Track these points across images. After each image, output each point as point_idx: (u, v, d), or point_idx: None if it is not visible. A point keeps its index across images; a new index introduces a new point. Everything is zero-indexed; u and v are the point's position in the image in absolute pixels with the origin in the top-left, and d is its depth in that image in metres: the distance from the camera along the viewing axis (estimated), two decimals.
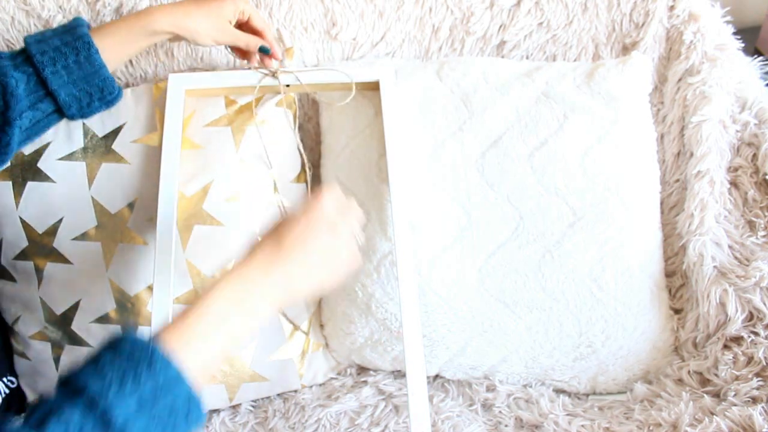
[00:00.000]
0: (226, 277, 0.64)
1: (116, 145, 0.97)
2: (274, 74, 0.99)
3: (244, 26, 0.95)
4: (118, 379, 0.54)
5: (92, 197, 0.96)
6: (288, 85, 0.99)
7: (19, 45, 1.05)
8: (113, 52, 0.87)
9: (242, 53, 0.99)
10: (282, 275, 0.65)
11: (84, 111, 0.89)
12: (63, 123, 1.00)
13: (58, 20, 1.04)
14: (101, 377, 0.54)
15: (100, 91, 0.87)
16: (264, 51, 0.95)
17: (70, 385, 0.55)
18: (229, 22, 0.92)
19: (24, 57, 0.83)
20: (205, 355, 0.60)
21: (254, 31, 0.95)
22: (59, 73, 0.83)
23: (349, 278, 0.85)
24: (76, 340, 0.96)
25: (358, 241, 0.73)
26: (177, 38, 0.91)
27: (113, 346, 0.57)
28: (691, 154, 1.03)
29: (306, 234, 0.67)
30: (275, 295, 0.65)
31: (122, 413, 0.53)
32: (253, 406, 1.04)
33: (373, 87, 1.01)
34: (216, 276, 0.96)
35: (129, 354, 0.55)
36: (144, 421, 0.54)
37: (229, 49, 1.01)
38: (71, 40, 0.83)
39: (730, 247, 0.99)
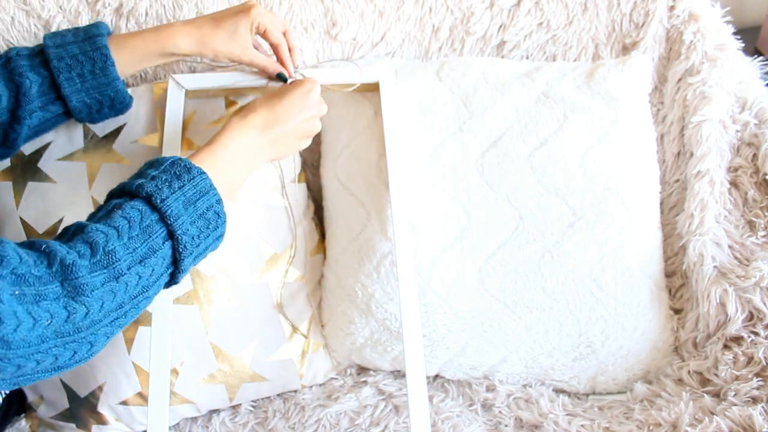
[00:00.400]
0: (229, 126, 0.78)
1: (117, 146, 0.97)
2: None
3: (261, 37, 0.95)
4: (167, 183, 0.68)
5: (92, 197, 0.96)
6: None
7: (18, 45, 1.05)
8: (128, 66, 0.87)
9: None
10: (274, 135, 0.81)
11: (93, 117, 0.89)
12: (63, 124, 1.00)
13: (58, 21, 1.04)
14: (152, 182, 0.67)
15: (111, 101, 0.88)
16: (282, 78, 0.94)
17: (125, 191, 0.68)
18: (247, 40, 0.91)
19: (41, 59, 0.83)
20: (228, 176, 0.76)
21: (270, 43, 0.94)
22: (73, 80, 0.83)
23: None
24: None
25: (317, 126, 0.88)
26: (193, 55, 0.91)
27: (153, 165, 0.71)
28: (691, 154, 1.03)
29: (297, 107, 0.83)
30: (265, 151, 0.81)
31: (174, 207, 0.67)
32: (253, 407, 1.04)
33: (373, 87, 1.01)
34: (216, 277, 0.96)
35: (170, 167, 0.69)
36: (190, 217, 0.68)
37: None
38: (90, 49, 0.84)
39: (730, 247, 0.99)
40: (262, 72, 0.95)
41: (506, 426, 0.97)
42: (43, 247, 0.59)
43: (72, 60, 0.83)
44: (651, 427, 0.90)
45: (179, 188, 0.68)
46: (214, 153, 0.75)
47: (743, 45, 1.07)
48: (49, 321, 0.57)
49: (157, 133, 0.98)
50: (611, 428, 0.93)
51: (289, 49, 0.94)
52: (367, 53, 1.11)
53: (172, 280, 0.70)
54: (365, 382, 1.05)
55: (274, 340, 1.00)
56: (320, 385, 1.06)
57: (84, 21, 1.05)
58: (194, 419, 1.03)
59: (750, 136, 1.02)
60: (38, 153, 0.97)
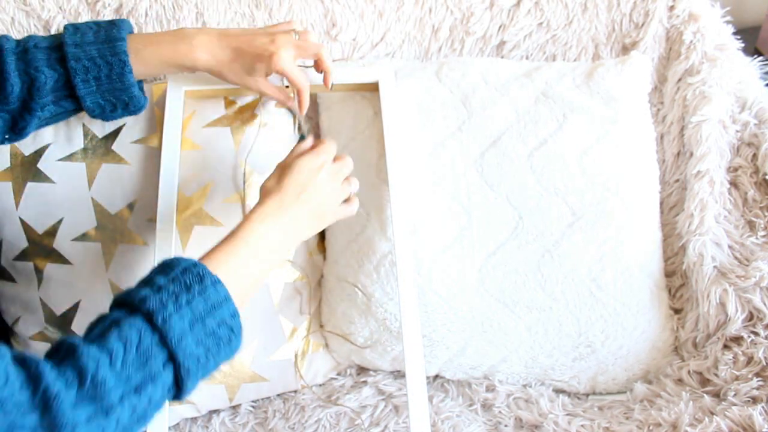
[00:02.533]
0: (247, 219, 0.73)
1: (116, 146, 0.97)
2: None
3: None
4: (174, 297, 0.60)
5: (92, 198, 0.96)
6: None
7: None
8: (145, 72, 0.85)
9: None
10: (289, 220, 0.75)
11: (106, 116, 0.88)
12: (62, 124, 1.00)
13: (58, 21, 1.04)
14: (157, 295, 0.60)
15: (125, 104, 0.86)
16: (301, 137, 0.93)
17: (128, 304, 0.61)
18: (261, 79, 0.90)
19: (59, 55, 0.81)
20: (244, 281, 0.70)
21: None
22: (89, 83, 0.82)
23: (349, 218, 0.86)
24: None
25: (353, 187, 0.84)
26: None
27: (164, 270, 0.64)
28: (691, 154, 1.03)
29: (307, 180, 0.77)
30: (285, 239, 0.75)
31: (178, 328, 0.59)
32: (253, 407, 1.04)
33: (373, 88, 1.01)
34: None
35: (181, 275, 0.62)
36: (196, 337, 0.61)
37: None
38: (108, 54, 0.81)
39: (730, 247, 0.99)
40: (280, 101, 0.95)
41: (506, 426, 0.97)
42: (33, 368, 0.52)
43: (90, 63, 0.81)
44: (651, 427, 0.90)
45: (187, 303, 0.61)
46: (233, 251, 0.69)
47: (743, 45, 1.07)
48: None
49: (157, 134, 0.98)
50: (611, 428, 0.93)
51: (324, 72, 0.91)
52: (367, 54, 1.11)
53: (175, 398, 0.63)
54: (365, 382, 1.05)
55: (274, 340, 1.00)
56: (320, 385, 1.07)
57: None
58: (194, 419, 1.03)
59: (750, 136, 1.02)
60: (38, 154, 0.97)
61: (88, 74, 0.81)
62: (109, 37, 0.82)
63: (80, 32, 0.82)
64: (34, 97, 0.81)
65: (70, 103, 0.84)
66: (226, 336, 0.64)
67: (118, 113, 0.88)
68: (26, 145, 0.98)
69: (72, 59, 0.80)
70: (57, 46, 0.82)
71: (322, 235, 1.08)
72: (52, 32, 1.05)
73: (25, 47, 0.81)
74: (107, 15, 1.04)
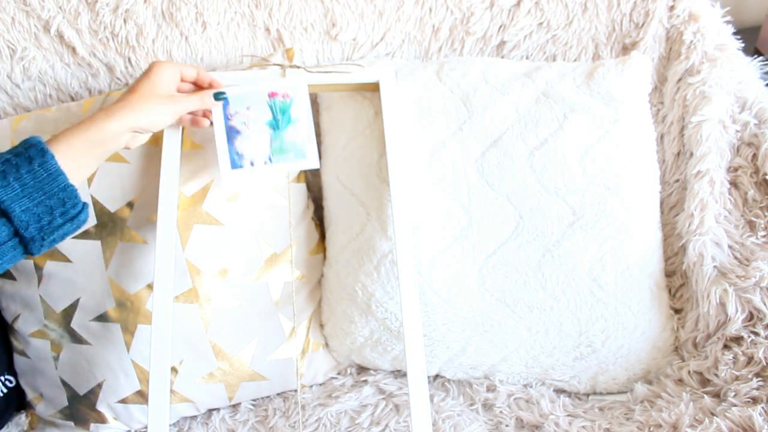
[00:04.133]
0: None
1: None
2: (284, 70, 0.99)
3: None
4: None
5: (92, 196, 0.96)
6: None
7: (20, 46, 1.05)
8: (70, 162, 0.75)
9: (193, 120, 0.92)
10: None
11: (45, 231, 0.73)
12: (63, 118, 1.00)
13: (58, 21, 1.04)
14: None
15: (62, 204, 0.73)
16: (219, 97, 0.90)
17: None
18: (173, 87, 0.86)
19: None
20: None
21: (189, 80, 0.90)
22: (11, 186, 0.70)
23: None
24: (75, 338, 0.96)
25: None
26: (135, 136, 0.83)
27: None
28: (691, 154, 1.03)
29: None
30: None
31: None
32: (253, 405, 1.04)
33: (373, 87, 1.01)
34: (215, 276, 0.96)
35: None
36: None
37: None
38: (22, 150, 0.72)
39: (730, 247, 0.99)
40: (195, 120, 0.91)
41: (507, 426, 0.97)
42: None
43: (5, 165, 0.70)
44: (651, 428, 0.90)
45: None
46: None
47: (743, 45, 1.07)
48: None
49: (157, 133, 0.97)
50: (612, 429, 0.92)
51: (211, 83, 0.91)
52: (367, 53, 1.11)
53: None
54: (365, 381, 1.05)
55: (274, 339, 1.00)
56: (320, 384, 1.06)
57: (84, 21, 1.05)
58: (193, 417, 1.03)
59: (750, 136, 1.02)
60: None
61: (7, 177, 0.70)
62: (18, 144, 0.74)
63: None
64: None
65: (0, 225, 0.71)
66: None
67: (56, 223, 0.74)
68: None
69: None
70: None
71: (322, 235, 1.08)
72: (51, 32, 1.05)
73: None
74: (106, 15, 1.04)
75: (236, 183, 0.98)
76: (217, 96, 0.90)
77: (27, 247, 0.74)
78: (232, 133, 0.92)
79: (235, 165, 0.91)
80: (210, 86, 0.91)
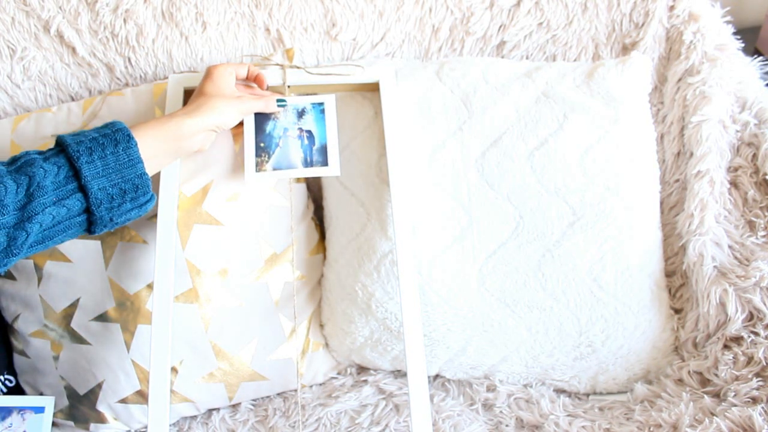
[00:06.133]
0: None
1: None
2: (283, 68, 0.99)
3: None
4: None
5: None
6: (289, 86, 0.99)
7: (20, 46, 1.05)
8: (148, 151, 0.80)
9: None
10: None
11: (113, 212, 0.78)
12: (63, 118, 1.00)
13: (58, 21, 1.04)
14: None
15: (134, 190, 0.78)
16: (281, 104, 0.95)
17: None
18: (233, 87, 0.92)
19: (57, 150, 0.75)
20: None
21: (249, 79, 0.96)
22: (94, 164, 0.75)
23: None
24: (75, 338, 0.96)
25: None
26: (207, 136, 0.89)
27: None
28: (691, 154, 1.03)
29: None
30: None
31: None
32: (253, 405, 1.04)
33: (373, 87, 1.01)
34: (215, 276, 0.96)
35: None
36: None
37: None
38: (110, 132, 0.77)
39: (730, 247, 0.99)
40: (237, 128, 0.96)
41: (507, 426, 0.97)
42: None
43: (92, 142, 0.75)
44: (651, 428, 0.90)
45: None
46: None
47: (743, 45, 1.07)
48: None
49: None
50: (612, 429, 0.92)
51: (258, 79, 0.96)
52: (367, 53, 1.11)
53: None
54: (365, 381, 1.05)
55: (274, 339, 1.00)
56: (320, 384, 1.07)
57: (84, 21, 1.05)
58: (193, 417, 1.03)
59: (750, 136, 1.02)
60: None
61: (92, 154, 0.75)
62: (104, 125, 0.80)
63: (74, 133, 0.79)
64: (35, 196, 0.72)
65: (75, 200, 0.74)
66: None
67: (125, 207, 0.79)
68: (27, 142, 0.98)
69: (72, 143, 0.75)
70: (52, 147, 0.77)
71: (322, 235, 1.08)
72: (51, 32, 1.05)
73: (16, 157, 0.75)
74: (106, 15, 1.04)
75: (257, 185, 1.00)
76: (279, 102, 0.95)
77: (91, 226, 0.78)
78: (265, 138, 0.94)
79: (259, 169, 0.93)
80: (257, 80, 0.96)
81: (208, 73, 0.90)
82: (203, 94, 0.88)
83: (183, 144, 0.85)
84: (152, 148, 0.81)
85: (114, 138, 0.77)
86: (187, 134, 0.84)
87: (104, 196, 0.76)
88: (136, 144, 0.78)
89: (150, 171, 0.81)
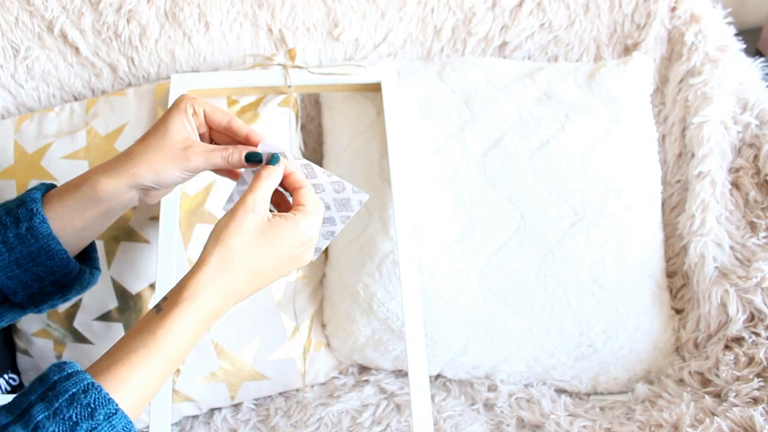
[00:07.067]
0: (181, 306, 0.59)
1: (119, 144, 0.98)
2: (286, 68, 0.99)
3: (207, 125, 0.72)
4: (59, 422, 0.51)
5: None
6: (290, 86, 1.00)
7: (23, 46, 1.05)
8: (63, 222, 0.67)
9: (226, 171, 0.74)
10: (234, 301, 0.64)
11: (36, 299, 0.68)
12: (66, 118, 1.00)
13: (61, 21, 1.04)
14: (49, 412, 0.51)
15: (51, 273, 0.66)
16: (253, 159, 0.67)
17: (19, 405, 0.53)
18: (191, 134, 0.69)
19: None
20: (150, 392, 0.57)
21: (218, 126, 0.71)
22: None
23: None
24: (78, 338, 0.97)
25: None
26: (147, 192, 0.70)
27: (45, 396, 0.53)
28: (693, 155, 1.03)
29: (264, 248, 0.63)
30: (226, 305, 0.64)
31: None
32: (254, 404, 1.04)
33: (375, 88, 1.01)
34: None
35: (66, 406, 0.52)
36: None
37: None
38: (14, 207, 0.65)
39: (731, 247, 0.99)
40: (229, 173, 0.74)
41: (508, 426, 0.97)
42: None
43: None
44: (652, 428, 0.90)
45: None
46: (145, 361, 0.56)
47: (745, 46, 1.07)
48: None
49: None
50: (613, 429, 0.93)
51: (250, 137, 0.70)
52: (369, 54, 1.11)
53: None
54: (367, 381, 1.05)
55: (276, 339, 1.00)
56: (322, 384, 1.07)
57: (87, 21, 1.05)
58: (195, 417, 1.03)
59: (751, 137, 1.02)
60: (41, 152, 0.97)
61: None
62: (18, 196, 0.67)
63: None
64: None
65: None
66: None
67: (47, 291, 0.68)
68: (30, 142, 0.98)
69: None
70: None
71: None
72: (55, 32, 1.05)
73: None
74: (109, 15, 1.04)
75: None
76: (250, 157, 0.67)
77: (24, 309, 0.68)
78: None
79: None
80: (246, 139, 0.70)
81: (164, 115, 0.69)
82: (141, 141, 0.68)
83: (105, 207, 0.67)
84: (68, 220, 0.66)
85: (16, 216, 0.64)
86: (107, 197, 0.67)
87: (17, 285, 0.65)
88: (43, 219, 0.64)
89: (75, 242, 0.68)
